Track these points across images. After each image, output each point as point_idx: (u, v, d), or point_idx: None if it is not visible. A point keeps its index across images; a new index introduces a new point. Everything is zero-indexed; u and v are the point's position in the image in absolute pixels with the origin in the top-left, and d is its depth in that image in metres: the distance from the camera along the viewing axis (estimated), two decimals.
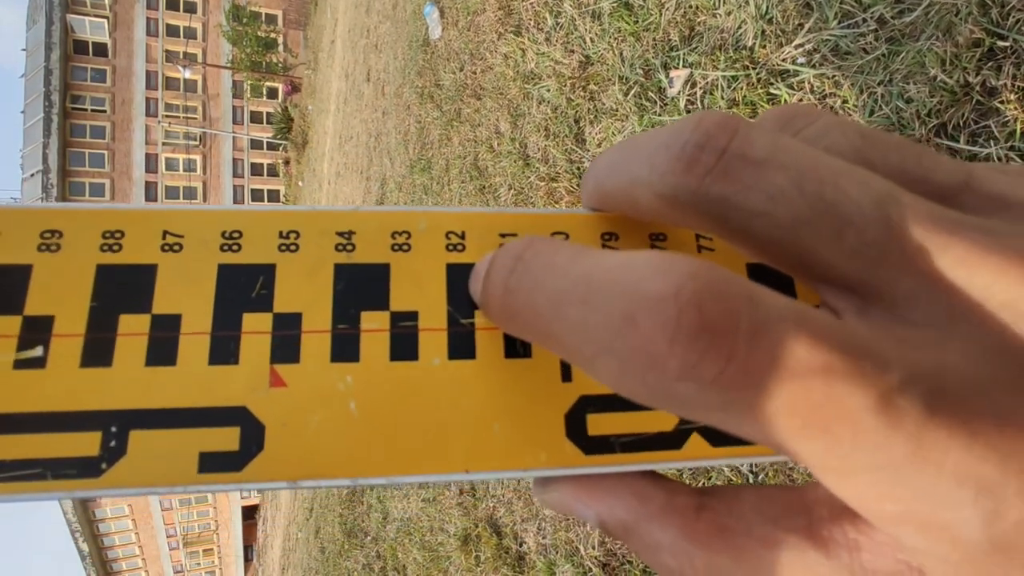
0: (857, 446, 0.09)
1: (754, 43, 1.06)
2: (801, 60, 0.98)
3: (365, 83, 4.23)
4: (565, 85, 1.52)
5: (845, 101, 0.90)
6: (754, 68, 1.05)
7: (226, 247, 0.13)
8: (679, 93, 1.18)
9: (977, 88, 0.75)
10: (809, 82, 0.96)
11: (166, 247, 0.13)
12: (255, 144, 20.27)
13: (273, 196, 19.86)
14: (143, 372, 0.12)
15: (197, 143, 19.60)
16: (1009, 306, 0.09)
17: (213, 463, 0.12)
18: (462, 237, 0.14)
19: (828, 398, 0.09)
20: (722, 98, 1.10)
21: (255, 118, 20.58)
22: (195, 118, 19.75)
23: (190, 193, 19.16)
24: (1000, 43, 0.73)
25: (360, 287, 0.14)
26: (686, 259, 0.09)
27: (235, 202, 16.83)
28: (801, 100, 0.96)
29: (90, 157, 18.33)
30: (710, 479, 1.02)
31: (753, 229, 0.11)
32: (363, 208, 0.14)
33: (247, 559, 20.47)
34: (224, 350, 0.13)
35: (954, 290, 0.10)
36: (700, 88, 1.15)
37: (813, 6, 0.96)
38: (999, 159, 0.73)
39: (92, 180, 18.20)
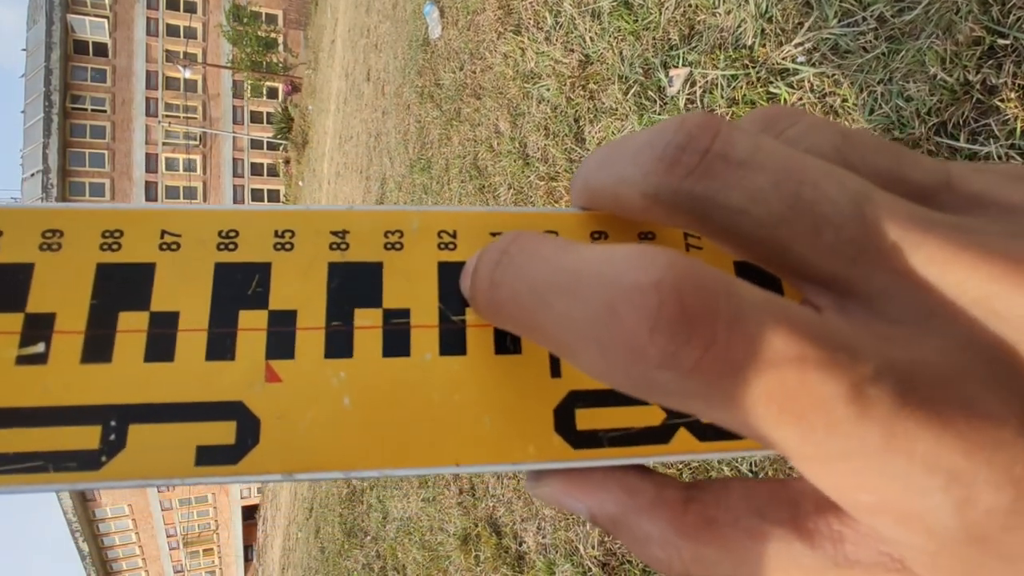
0: (830, 434, 0.09)
1: (754, 42, 1.06)
2: (801, 59, 0.98)
3: (365, 83, 4.24)
4: (565, 84, 1.52)
5: (845, 100, 0.90)
6: (754, 67, 1.06)
7: (223, 246, 0.14)
8: (679, 92, 1.19)
9: (977, 86, 0.75)
10: (809, 81, 0.96)
11: (164, 246, 0.14)
12: (255, 144, 20.27)
13: (273, 196, 19.86)
14: (142, 368, 0.13)
15: (197, 143, 19.60)
16: (980, 303, 0.09)
17: (210, 456, 0.12)
18: (454, 236, 0.14)
19: (802, 386, 0.09)
20: (722, 97, 1.10)
21: (255, 118, 20.58)
22: (195, 118, 19.75)
23: (190, 193, 19.17)
24: (1000, 41, 0.73)
25: (354, 285, 0.14)
26: (668, 252, 0.10)
27: (235, 202, 16.82)
28: (801, 99, 0.96)
29: (90, 157, 18.34)
30: (709, 477, 1.02)
31: (735, 227, 0.11)
32: (357, 207, 0.14)
33: (247, 559, 20.47)
34: (221, 346, 0.13)
35: (927, 287, 0.10)
36: (700, 87, 1.15)
37: (813, 5, 0.97)
38: (999, 157, 0.73)
39: (92, 180, 18.21)
